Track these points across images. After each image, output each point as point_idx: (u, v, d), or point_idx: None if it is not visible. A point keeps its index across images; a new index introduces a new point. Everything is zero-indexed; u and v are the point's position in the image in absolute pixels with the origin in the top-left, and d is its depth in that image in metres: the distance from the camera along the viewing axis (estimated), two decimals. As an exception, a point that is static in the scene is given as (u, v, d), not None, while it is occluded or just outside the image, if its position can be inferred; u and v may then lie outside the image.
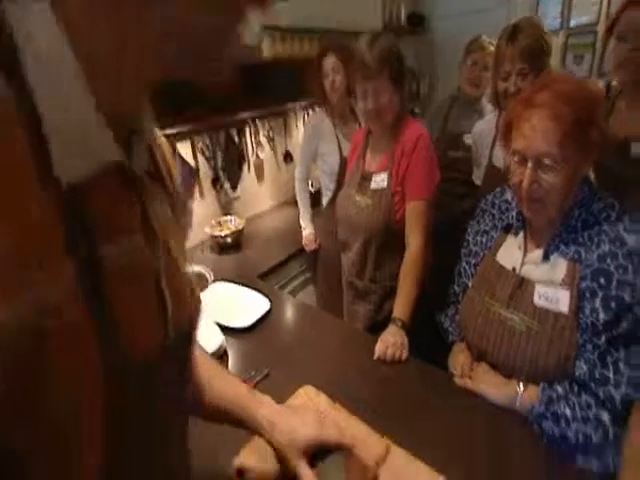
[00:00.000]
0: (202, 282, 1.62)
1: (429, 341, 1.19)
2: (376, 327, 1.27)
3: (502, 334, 0.92)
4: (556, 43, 2.37)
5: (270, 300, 1.36)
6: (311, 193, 2.11)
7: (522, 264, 0.94)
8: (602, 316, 0.79)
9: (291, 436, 0.60)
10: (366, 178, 1.36)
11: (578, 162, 0.79)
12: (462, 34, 2.10)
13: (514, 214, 0.97)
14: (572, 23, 2.55)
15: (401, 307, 1.18)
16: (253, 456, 0.77)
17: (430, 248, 1.26)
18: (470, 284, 1.05)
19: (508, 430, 0.87)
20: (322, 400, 0.92)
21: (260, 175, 2.40)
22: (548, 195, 0.81)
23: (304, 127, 2.26)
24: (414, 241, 1.24)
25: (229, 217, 2.11)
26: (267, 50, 2.20)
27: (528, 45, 1.27)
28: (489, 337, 0.95)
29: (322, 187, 2.01)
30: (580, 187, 0.85)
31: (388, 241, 1.30)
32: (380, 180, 1.31)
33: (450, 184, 1.77)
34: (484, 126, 1.59)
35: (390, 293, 1.29)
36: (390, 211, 1.28)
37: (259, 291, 1.42)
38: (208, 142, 2.09)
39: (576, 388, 0.83)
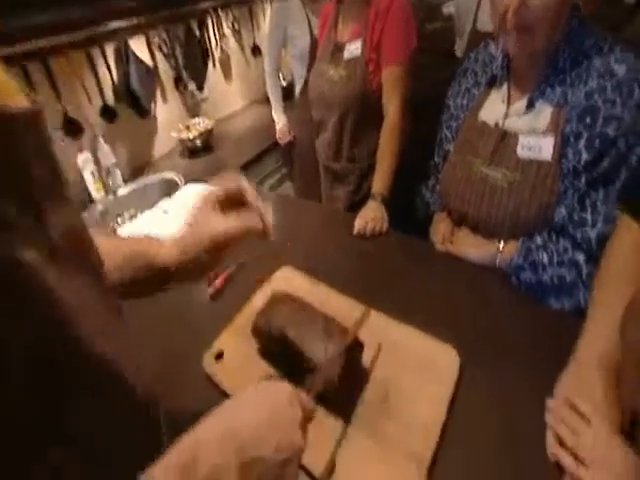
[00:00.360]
0: (173, 188, 1.55)
1: (409, 215, 1.17)
2: (354, 207, 1.23)
3: (483, 193, 0.90)
4: None
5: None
6: (283, 87, 1.97)
7: (505, 117, 0.88)
8: (585, 157, 0.76)
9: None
10: (339, 49, 1.24)
11: None
12: None
13: (499, 62, 0.90)
14: None
15: (380, 181, 1.14)
16: (232, 338, 0.79)
17: (408, 116, 1.19)
18: (452, 149, 1.00)
19: (489, 287, 0.88)
20: (299, 279, 0.91)
21: (227, 72, 2.20)
22: (537, 21, 0.73)
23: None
24: (392, 108, 1.17)
25: (197, 119, 1.98)
26: None
27: None
28: (470, 199, 0.93)
29: (294, 76, 1.86)
30: (569, 20, 0.78)
31: (364, 114, 1.23)
32: (354, 49, 1.19)
33: (427, 56, 1.63)
34: (467, -11, 1.44)
35: (368, 173, 1.25)
36: (365, 80, 1.19)
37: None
38: (165, 37, 1.87)
39: (554, 235, 0.83)
